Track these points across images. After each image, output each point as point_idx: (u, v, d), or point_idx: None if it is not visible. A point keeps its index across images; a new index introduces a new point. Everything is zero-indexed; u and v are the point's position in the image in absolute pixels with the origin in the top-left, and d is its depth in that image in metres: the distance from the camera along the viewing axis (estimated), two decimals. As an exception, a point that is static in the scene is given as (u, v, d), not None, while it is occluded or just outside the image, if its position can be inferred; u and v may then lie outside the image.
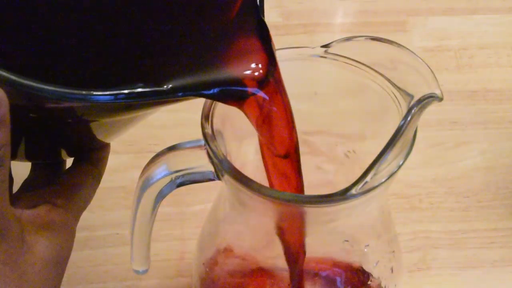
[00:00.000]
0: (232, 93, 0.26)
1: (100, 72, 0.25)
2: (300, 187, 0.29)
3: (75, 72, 0.25)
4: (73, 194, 0.30)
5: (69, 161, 0.33)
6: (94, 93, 0.21)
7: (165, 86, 0.23)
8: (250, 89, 0.26)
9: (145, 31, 0.27)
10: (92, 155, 0.32)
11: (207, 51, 0.26)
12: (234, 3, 0.26)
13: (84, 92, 0.21)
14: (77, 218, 0.30)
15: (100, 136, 0.30)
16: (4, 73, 0.20)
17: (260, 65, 0.26)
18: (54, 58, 0.25)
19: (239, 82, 0.26)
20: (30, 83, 0.20)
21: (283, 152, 0.29)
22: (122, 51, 0.26)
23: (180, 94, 0.24)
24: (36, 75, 0.20)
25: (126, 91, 0.22)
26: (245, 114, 0.27)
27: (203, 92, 0.25)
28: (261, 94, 0.26)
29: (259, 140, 0.29)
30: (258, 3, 0.26)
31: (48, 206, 0.28)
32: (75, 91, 0.21)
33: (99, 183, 0.32)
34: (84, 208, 0.31)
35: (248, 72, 0.26)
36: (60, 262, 0.28)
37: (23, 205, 0.28)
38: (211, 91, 0.25)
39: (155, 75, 0.25)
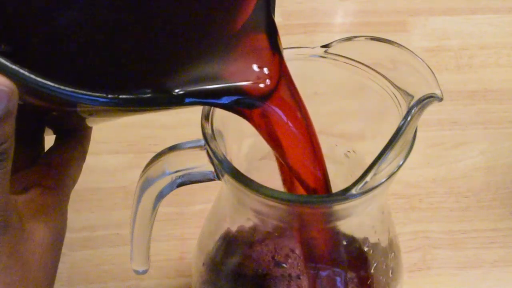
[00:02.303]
0: (241, 102, 0.25)
1: (111, 75, 0.25)
2: None
3: (80, 73, 0.25)
4: (62, 174, 0.30)
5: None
6: (110, 96, 0.21)
7: (175, 92, 0.23)
8: (260, 99, 0.26)
9: (155, 36, 0.27)
10: (76, 132, 0.31)
11: (216, 58, 0.26)
12: (246, 7, 0.26)
13: (97, 94, 0.21)
14: (68, 198, 0.30)
15: (92, 124, 0.30)
16: (18, 69, 0.20)
17: (271, 73, 0.26)
18: (63, 58, 0.25)
19: (249, 90, 0.25)
20: (47, 82, 0.20)
21: (311, 185, 0.29)
22: (132, 56, 0.26)
23: (188, 101, 0.24)
24: (41, 72, 0.20)
25: (145, 96, 0.22)
26: (257, 127, 0.27)
27: (211, 100, 0.25)
28: (271, 104, 0.26)
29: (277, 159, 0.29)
30: (269, 7, 0.26)
31: (40, 189, 0.28)
32: (88, 93, 0.21)
33: (84, 160, 0.32)
34: (72, 186, 0.31)
35: (258, 81, 0.26)
36: (57, 245, 0.28)
37: (14, 189, 0.28)
38: (220, 100, 0.25)
39: (164, 80, 0.25)
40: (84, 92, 0.21)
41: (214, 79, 0.25)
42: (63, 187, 0.29)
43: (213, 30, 0.27)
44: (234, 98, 0.25)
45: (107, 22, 0.26)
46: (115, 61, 0.25)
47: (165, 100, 0.23)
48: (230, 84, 0.25)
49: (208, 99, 0.25)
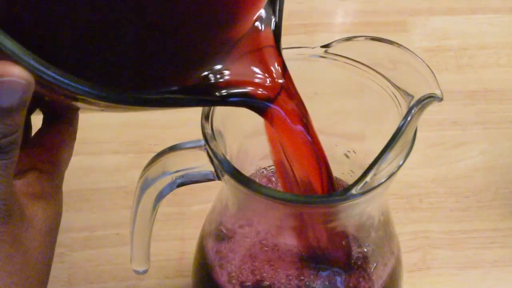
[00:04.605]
0: (247, 103, 0.26)
1: (129, 76, 0.25)
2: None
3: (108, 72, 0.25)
4: (56, 157, 0.29)
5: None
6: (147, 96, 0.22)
7: (217, 94, 0.24)
8: (266, 101, 0.26)
9: (175, 40, 0.27)
10: (66, 114, 0.31)
11: (219, 61, 0.26)
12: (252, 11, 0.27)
13: (129, 96, 0.22)
14: (62, 181, 0.30)
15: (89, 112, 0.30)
16: (37, 62, 0.20)
17: (275, 75, 0.26)
18: (91, 57, 0.25)
19: (255, 94, 0.26)
20: (76, 83, 0.20)
21: (317, 186, 0.29)
22: (150, 57, 0.26)
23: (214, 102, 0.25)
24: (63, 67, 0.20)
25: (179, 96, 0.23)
26: (271, 126, 0.27)
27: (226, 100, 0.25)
28: (276, 105, 0.26)
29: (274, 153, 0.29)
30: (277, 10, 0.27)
31: (36, 173, 0.28)
32: (119, 94, 0.21)
33: (75, 139, 0.31)
34: (65, 169, 0.31)
35: (263, 84, 0.26)
36: (54, 231, 0.28)
37: None
38: (231, 100, 0.25)
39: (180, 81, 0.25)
40: (117, 93, 0.21)
41: (220, 82, 0.25)
42: (58, 171, 0.29)
43: (218, 33, 0.27)
44: (240, 99, 0.25)
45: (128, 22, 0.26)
46: (136, 61, 0.25)
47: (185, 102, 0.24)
48: (238, 89, 0.25)
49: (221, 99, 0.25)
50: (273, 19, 0.26)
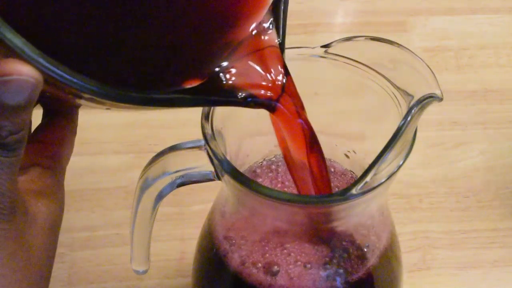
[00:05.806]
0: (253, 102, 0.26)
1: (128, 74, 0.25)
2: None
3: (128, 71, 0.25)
4: (58, 153, 0.29)
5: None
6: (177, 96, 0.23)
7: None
8: (270, 100, 0.26)
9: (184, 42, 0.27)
10: (66, 109, 0.31)
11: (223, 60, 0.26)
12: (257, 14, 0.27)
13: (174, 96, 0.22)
14: (63, 177, 0.30)
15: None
16: (46, 61, 0.19)
17: (277, 75, 0.26)
18: (102, 57, 0.25)
19: (259, 95, 0.26)
20: (91, 85, 0.20)
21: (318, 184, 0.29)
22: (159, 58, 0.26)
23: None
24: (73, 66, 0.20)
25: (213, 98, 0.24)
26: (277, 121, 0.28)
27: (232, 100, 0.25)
28: (280, 104, 0.26)
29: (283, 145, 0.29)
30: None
31: (38, 169, 0.28)
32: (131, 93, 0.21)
33: (75, 134, 0.31)
34: (67, 164, 0.30)
35: (267, 85, 0.26)
36: (57, 226, 0.28)
37: None
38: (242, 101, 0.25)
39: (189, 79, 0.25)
40: (132, 93, 0.21)
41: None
42: (60, 166, 0.29)
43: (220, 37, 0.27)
44: (246, 100, 0.26)
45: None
46: (143, 62, 0.25)
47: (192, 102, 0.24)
48: (244, 90, 0.26)
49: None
50: (278, 22, 0.27)
